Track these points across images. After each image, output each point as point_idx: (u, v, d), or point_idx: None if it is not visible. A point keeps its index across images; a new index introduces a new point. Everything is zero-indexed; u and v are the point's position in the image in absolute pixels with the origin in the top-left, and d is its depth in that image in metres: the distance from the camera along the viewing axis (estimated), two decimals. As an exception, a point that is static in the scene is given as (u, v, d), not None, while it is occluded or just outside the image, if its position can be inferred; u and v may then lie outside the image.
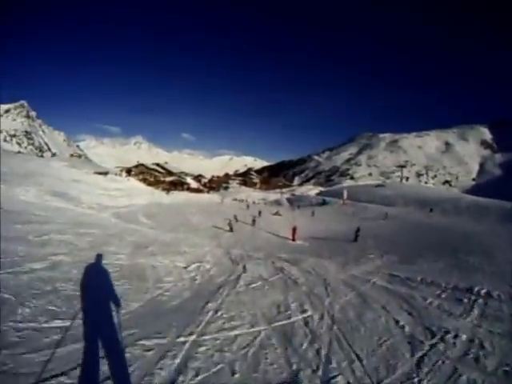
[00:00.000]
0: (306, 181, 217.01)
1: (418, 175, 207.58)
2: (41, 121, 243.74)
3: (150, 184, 52.63)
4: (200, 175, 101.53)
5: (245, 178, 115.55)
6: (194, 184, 74.24)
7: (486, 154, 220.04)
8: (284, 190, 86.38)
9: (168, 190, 47.55)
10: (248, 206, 40.97)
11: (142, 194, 35.44)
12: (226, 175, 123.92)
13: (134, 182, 45.13)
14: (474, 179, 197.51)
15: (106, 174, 46.68)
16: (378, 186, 54.84)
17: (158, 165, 72.72)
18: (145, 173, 63.34)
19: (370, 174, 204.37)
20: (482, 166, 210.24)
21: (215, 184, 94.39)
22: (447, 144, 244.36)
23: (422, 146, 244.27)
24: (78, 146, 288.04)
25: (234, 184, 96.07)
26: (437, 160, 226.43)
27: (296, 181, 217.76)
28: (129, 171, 62.01)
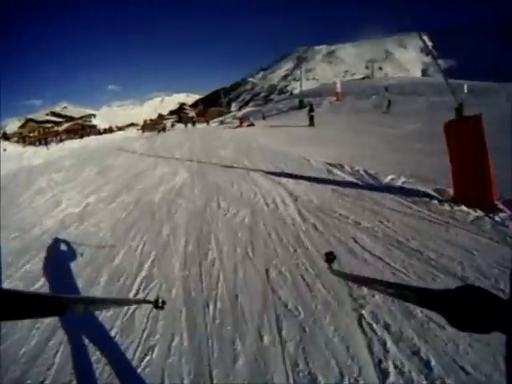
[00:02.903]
0: (244, 104, 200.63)
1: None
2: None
3: (31, 143, 36.37)
4: (132, 123, 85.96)
5: (179, 114, 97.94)
6: (103, 125, 57.08)
7: (428, 61, 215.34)
8: (226, 116, 72.87)
9: (47, 143, 32.20)
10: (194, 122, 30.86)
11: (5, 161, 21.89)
12: (159, 116, 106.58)
13: (9, 149, 30.01)
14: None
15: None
16: (364, 78, 43.51)
17: (53, 114, 52.31)
18: (35, 130, 44.72)
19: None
20: (424, 72, 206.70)
21: (148, 128, 78.96)
22: (387, 52, 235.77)
23: (361, 55, 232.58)
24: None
25: (168, 123, 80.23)
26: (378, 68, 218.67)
27: (233, 107, 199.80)
28: (6, 136, 43.15)
